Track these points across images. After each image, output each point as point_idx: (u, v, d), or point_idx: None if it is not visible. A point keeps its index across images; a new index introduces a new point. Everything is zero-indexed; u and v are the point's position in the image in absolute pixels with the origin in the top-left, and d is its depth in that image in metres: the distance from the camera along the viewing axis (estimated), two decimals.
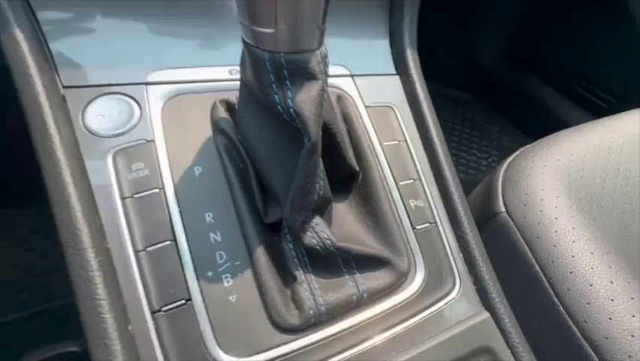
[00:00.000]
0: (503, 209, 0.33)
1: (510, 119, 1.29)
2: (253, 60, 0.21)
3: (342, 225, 0.28)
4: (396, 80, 0.35)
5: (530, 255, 0.30)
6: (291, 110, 0.20)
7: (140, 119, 0.27)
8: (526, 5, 1.18)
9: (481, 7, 1.24)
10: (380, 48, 0.36)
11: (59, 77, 0.26)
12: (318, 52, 0.20)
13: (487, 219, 0.35)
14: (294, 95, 0.20)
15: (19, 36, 0.24)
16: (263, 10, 0.18)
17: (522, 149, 0.42)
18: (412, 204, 0.30)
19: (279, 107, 0.21)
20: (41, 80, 0.24)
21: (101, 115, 0.26)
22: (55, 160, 0.23)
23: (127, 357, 0.20)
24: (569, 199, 0.32)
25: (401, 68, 0.36)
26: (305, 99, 0.20)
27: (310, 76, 0.20)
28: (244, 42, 0.21)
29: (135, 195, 0.24)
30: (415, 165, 0.31)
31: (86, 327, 0.20)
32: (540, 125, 1.16)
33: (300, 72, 0.20)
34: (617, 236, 0.32)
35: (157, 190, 0.25)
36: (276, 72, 0.20)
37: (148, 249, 0.23)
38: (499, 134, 1.25)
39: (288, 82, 0.20)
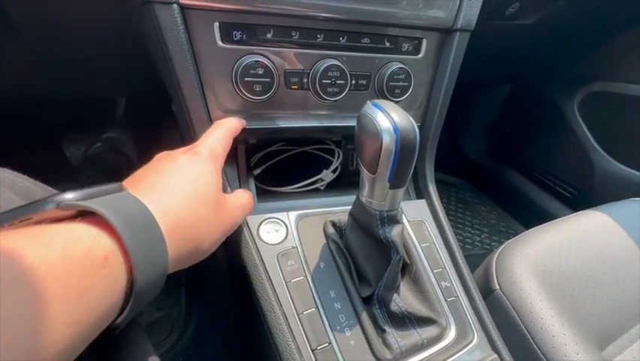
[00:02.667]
0: (498, 287, 0.52)
1: (495, 200, 1.54)
2: (366, 212, 0.41)
3: (403, 298, 0.46)
4: (423, 203, 0.57)
5: (517, 318, 0.48)
6: (389, 238, 0.40)
7: (287, 234, 0.47)
8: (500, 112, 1.52)
9: (465, 113, 1.57)
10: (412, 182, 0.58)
11: None
12: (400, 208, 0.41)
13: (488, 293, 0.54)
14: (390, 232, 0.40)
15: None
16: (379, 196, 0.39)
17: (506, 243, 0.62)
18: (442, 285, 0.49)
19: (381, 236, 0.41)
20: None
21: (268, 232, 0.46)
22: (257, 262, 0.42)
23: None
24: (538, 282, 0.52)
25: (426, 196, 0.58)
26: (396, 234, 0.40)
27: (398, 221, 0.41)
28: (363, 203, 0.42)
29: (292, 280, 0.43)
30: (442, 259, 0.51)
31: (280, 354, 0.37)
32: (520, 207, 1.41)
33: (393, 220, 0.41)
34: (571, 308, 0.51)
35: (302, 277, 0.44)
36: (380, 220, 0.40)
37: (304, 312, 0.41)
38: (488, 214, 1.49)
39: (386, 224, 0.41)
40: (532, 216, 1.35)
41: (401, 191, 0.39)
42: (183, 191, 0.30)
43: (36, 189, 0.30)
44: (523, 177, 1.41)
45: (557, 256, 0.58)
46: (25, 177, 0.30)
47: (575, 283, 0.55)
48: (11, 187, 0.27)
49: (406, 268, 0.49)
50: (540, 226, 0.67)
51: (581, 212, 0.72)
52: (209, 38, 0.42)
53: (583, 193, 1.20)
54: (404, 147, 0.35)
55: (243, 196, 0.40)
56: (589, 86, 1.16)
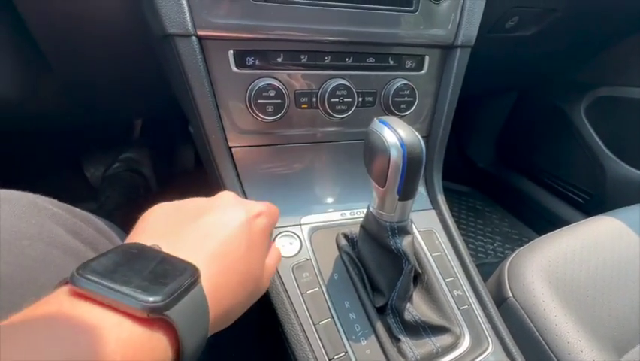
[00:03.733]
0: (511, 295, 0.53)
1: (506, 208, 1.53)
2: (378, 223, 0.43)
3: (416, 307, 0.47)
4: (433, 213, 0.58)
5: (532, 325, 0.48)
6: (400, 248, 0.42)
7: (301, 247, 0.48)
8: (507, 119, 1.52)
9: (472, 122, 1.58)
10: (422, 193, 0.60)
11: None
12: (409, 219, 0.43)
13: (501, 301, 0.54)
14: (401, 242, 0.42)
15: None
16: (389, 207, 0.41)
17: (518, 250, 0.63)
18: (455, 293, 0.50)
19: (392, 247, 0.42)
20: None
21: (282, 245, 0.48)
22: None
23: None
24: (551, 289, 0.52)
25: (435, 205, 0.59)
26: (406, 244, 0.42)
27: (408, 231, 0.42)
28: (374, 215, 0.43)
29: (308, 292, 0.44)
30: (453, 268, 0.52)
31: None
32: (532, 214, 1.40)
33: (403, 230, 0.42)
34: (586, 315, 0.51)
35: (317, 289, 0.45)
36: (391, 231, 0.42)
37: (320, 323, 0.42)
38: (499, 222, 1.48)
39: (397, 235, 0.42)
40: (544, 223, 1.34)
41: (410, 202, 0.41)
42: (237, 271, 0.29)
43: (73, 219, 0.32)
44: (533, 183, 1.41)
45: (570, 262, 0.58)
46: (58, 202, 0.32)
47: (590, 289, 0.55)
48: (50, 216, 0.30)
49: (418, 278, 0.50)
50: (552, 233, 0.67)
51: (593, 217, 0.72)
52: (225, 65, 0.46)
53: (595, 198, 1.19)
54: (411, 161, 0.37)
55: (276, 258, 0.38)
56: (595, 91, 1.16)
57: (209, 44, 0.44)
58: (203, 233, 0.28)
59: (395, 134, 0.37)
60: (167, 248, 0.25)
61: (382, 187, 0.39)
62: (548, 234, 0.66)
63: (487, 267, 1.26)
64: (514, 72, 1.09)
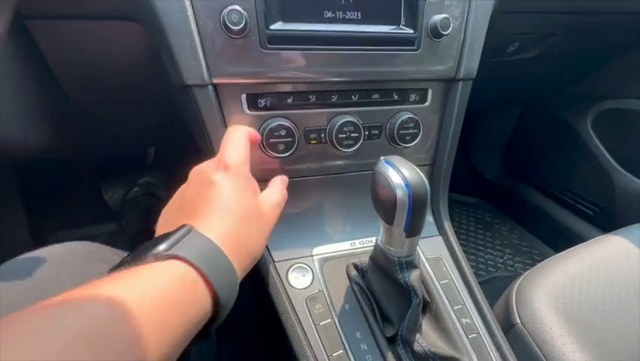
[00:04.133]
0: (519, 321, 0.54)
1: (515, 219, 1.52)
2: (385, 257, 0.45)
3: (426, 336, 0.48)
4: (440, 239, 0.60)
5: (540, 353, 0.49)
6: (408, 282, 0.44)
7: (313, 278, 0.51)
8: (513, 131, 1.53)
9: (477, 134, 1.59)
10: (429, 220, 0.62)
11: (270, 254, 0.51)
12: (416, 254, 0.45)
13: (509, 327, 0.55)
14: (409, 276, 0.44)
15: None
16: (397, 243, 0.43)
17: (525, 274, 0.64)
18: (463, 321, 0.51)
19: (401, 280, 0.44)
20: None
21: (296, 277, 0.50)
22: (288, 307, 0.46)
23: None
24: (559, 315, 0.53)
25: (442, 232, 0.60)
26: (414, 278, 0.44)
27: (416, 265, 0.44)
28: (382, 249, 0.45)
29: (320, 323, 0.46)
30: (461, 295, 0.53)
31: None
32: (542, 225, 1.39)
33: (411, 265, 0.44)
34: (594, 341, 0.51)
35: (329, 320, 0.47)
36: (399, 265, 0.44)
37: (333, 354, 0.44)
38: (509, 234, 1.47)
39: (405, 269, 0.44)
40: (555, 235, 1.34)
41: (417, 238, 0.43)
42: (230, 212, 0.35)
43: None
44: (541, 195, 1.40)
45: (578, 286, 0.59)
46: (114, 249, 0.38)
47: (599, 314, 0.56)
48: (107, 262, 0.33)
49: (427, 306, 0.51)
50: (559, 255, 0.68)
51: (601, 237, 0.73)
52: (238, 107, 0.49)
53: (606, 211, 1.18)
54: (416, 200, 0.39)
55: (276, 193, 0.44)
56: (600, 103, 1.17)
57: (223, 90, 0.47)
58: (191, 204, 0.36)
59: (400, 174, 0.39)
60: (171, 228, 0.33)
61: (390, 225, 0.41)
62: (555, 256, 0.67)
63: (498, 281, 1.26)
64: (518, 87, 1.10)
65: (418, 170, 0.40)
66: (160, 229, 0.37)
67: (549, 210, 1.37)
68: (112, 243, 0.46)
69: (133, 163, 1.08)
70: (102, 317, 0.22)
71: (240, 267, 0.34)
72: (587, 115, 1.19)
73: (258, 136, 0.48)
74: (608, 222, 1.20)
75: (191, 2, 0.41)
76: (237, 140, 0.43)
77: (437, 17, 0.50)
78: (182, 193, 0.39)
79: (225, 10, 0.42)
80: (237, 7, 0.42)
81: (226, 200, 0.36)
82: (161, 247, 0.28)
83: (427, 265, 0.55)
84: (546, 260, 0.66)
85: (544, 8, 0.66)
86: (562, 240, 1.34)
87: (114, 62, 0.50)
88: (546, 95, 1.30)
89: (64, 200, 1.02)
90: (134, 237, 0.89)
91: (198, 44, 0.43)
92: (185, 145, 0.97)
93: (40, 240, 1.08)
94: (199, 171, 0.40)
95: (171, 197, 0.41)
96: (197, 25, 0.42)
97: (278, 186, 0.46)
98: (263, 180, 0.53)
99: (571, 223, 1.29)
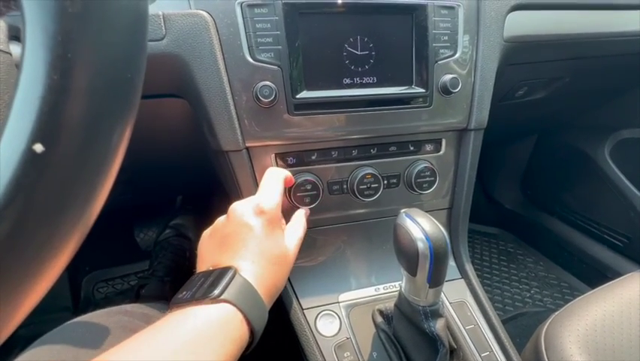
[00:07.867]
0: None
1: (539, 250, 1.49)
2: (410, 306, 0.47)
3: None
4: (462, 283, 0.61)
5: None
6: (434, 332, 0.45)
7: (340, 325, 0.53)
8: (530, 160, 1.53)
9: (494, 164, 1.59)
10: (451, 264, 0.63)
11: (299, 302, 0.54)
12: (440, 302, 0.47)
13: None
14: (434, 325, 0.45)
15: None
16: (421, 294, 0.45)
17: (553, 316, 0.63)
18: None
19: (426, 330, 0.46)
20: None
21: (324, 325, 0.52)
22: (319, 357, 0.48)
23: None
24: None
25: (464, 275, 0.62)
26: (440, 327, 0.45)
27: (440, 314, 0.46)
28: (406, 298, 0.47)
29: None
30: (488, 342, 0.54)
31: None
32: (568, 256, 1.35)
33: (436, 313, 0.46)
34: None
35: None
36: (424, 314, 0.46)
37: None
38: (534, 266, 1.43)
39: (430, 318, 0.46)
40: (583, 266, 1.30)
41: (440, 288, 0.45)
42: (262, 257, 0.41)
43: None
44: (565, 224, 1.38)
45: (609, 328, 0.58)
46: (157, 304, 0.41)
47: (634, 356, 0.55)
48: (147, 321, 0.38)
49: (454, 353, 0.52)
50: (589, 294, 0.67)
51: (628, 276, 0.71)
52: (267, 165, 0.54)
53: (634, 242, 1.15)
54: (437, 252, 0.42)
55: (299, 230, 0.48)
56: (617, 133, 1.17)
57: (255, 151, 0.52)
58: (231, 243, 0.41)
59: (419, 227, 0.42)
60: (216, 263, 0.40)
61: (413, 276, 0.44)
62: (582, 297, 0.66)
63: (527, 318, 1.21)
64: (530, 123, 1.13)
65: (436, 222, 0.43)
66: (202, 255, 0.44)
67: (575, 241, 1.33)
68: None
69: (162, 208, 1.15)
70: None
71: (267, 301, 0.40)
72: (604, 145, 1.19)
73: (292, 179, 0.53)
74: (637, 253, 1.16)
75: (229, 81, 0.48)
76: (273, 185, 0.47)
77: (446, 77, 0.55)
78: (222, 228, 0.43)
79: (258, 85, 0.48)
80: (268, 83, 0.48)
81: (261, 247, 0.41)
82: (216, 291, 0.35)
83: (451, 309, 0.57)
84: (576, 300, 0.65)
85: (548, 57, 0.70)
86: (592, 272, 1.30)
87: (160, 131, 0.57)
88: (558, 127, 1.31)
89: (99, 240, 1.09)
90: (164, 279, 0.93)
91: (234, 116, 0.48)
92: (210, 193, 1.04)
93: (76, 279, 1.15)
94: (237, 211, 0.43)
95: (199, 238, 0.46)
96: (233, 100, 0.48)
97: (301, 220, 0.50)
98: None
99: (600, 255, 1.25)
